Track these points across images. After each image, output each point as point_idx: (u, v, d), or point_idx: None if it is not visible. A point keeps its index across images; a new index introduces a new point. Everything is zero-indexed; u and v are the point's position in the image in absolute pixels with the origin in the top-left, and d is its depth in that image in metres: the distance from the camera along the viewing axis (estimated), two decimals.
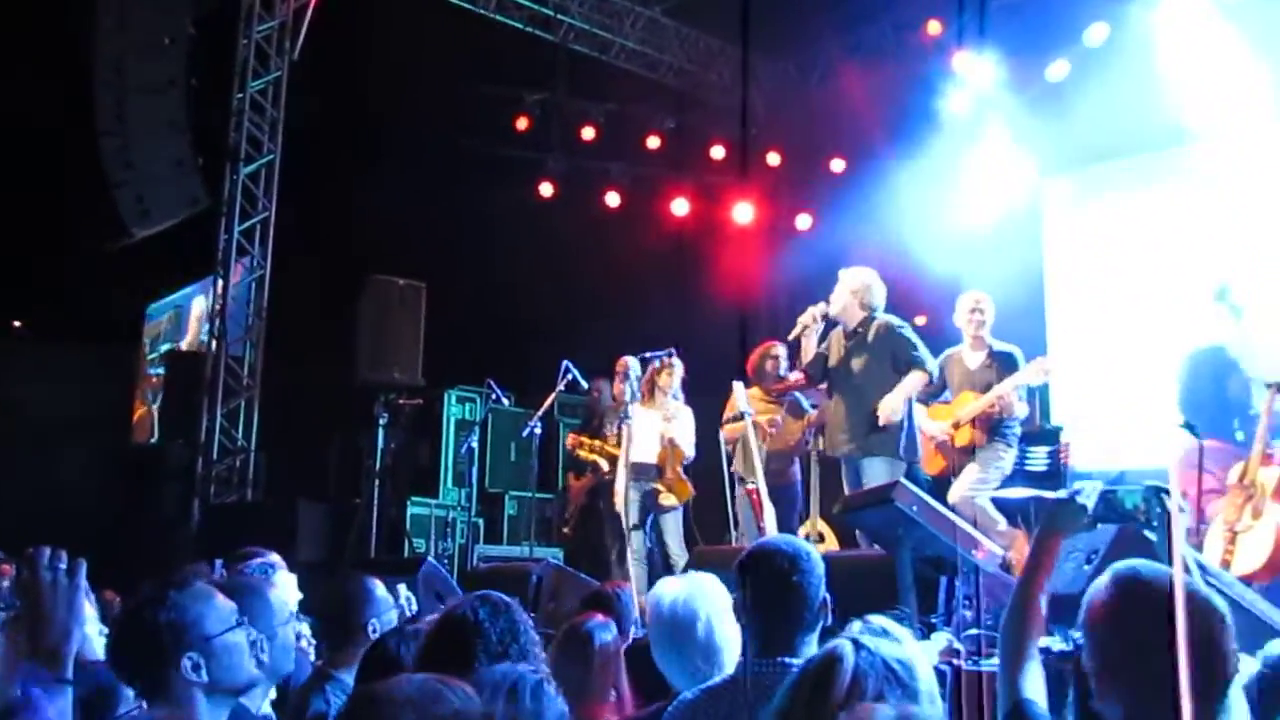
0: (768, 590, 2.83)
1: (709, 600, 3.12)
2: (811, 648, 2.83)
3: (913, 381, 6.53)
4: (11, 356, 14.26)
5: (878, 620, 3.02)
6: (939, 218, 9.65)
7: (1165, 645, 1.84)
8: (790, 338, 7.14)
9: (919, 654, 2.28)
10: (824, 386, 7.09)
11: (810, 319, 6.88)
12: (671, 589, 3.16)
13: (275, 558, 4.52)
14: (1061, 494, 2.65)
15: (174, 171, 9.94)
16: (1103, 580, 2.10)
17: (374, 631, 3.73)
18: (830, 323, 6.95)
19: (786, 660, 2.76)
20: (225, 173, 10.67)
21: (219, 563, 4.55)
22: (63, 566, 2.21)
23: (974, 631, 4.01)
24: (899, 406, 6.43)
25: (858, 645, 2.11)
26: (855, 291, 6.76)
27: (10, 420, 13.40)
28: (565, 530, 9.36)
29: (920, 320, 10.30)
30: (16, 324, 15.59)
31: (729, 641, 3.08)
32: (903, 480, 4.79)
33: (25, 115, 10.00)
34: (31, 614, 2.17)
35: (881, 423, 6.37)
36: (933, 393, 7.23)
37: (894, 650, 2.15)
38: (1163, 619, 1.88)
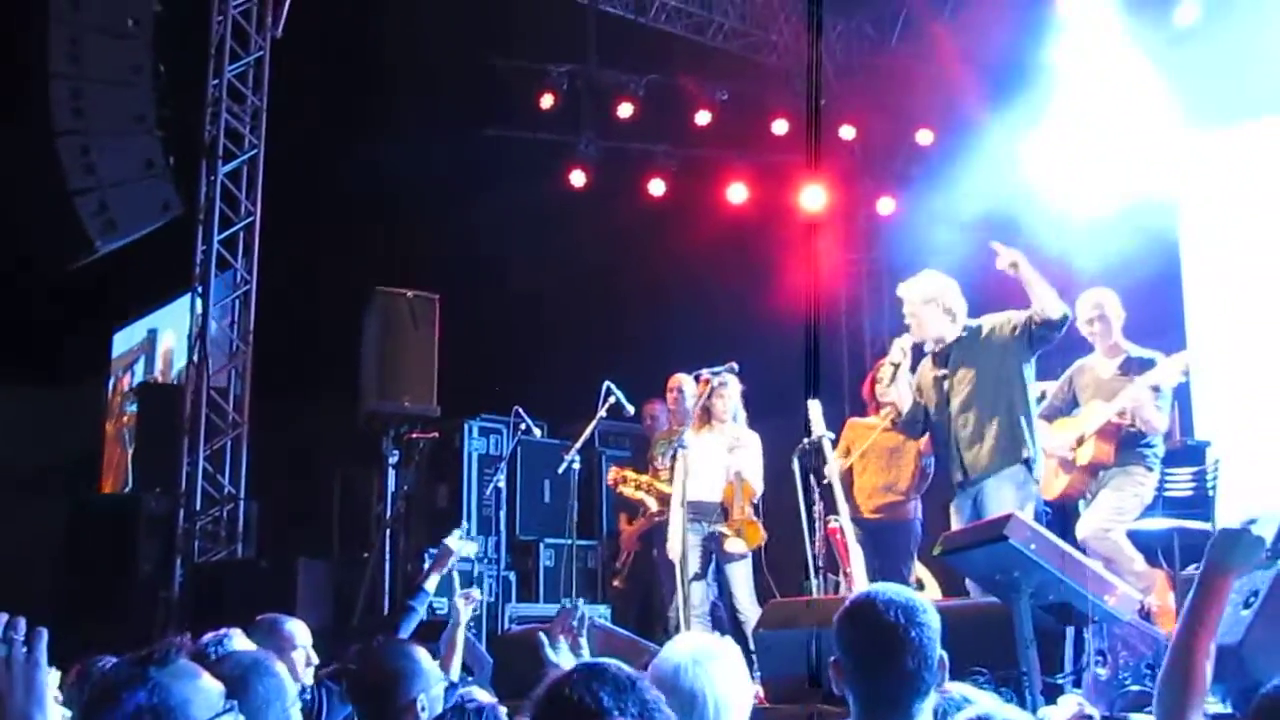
0: (876, 648, 2.83)
1: (714, 668, 3.14)
2: (927, 715, 2.85)
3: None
4: None
5: (956, 688, 3.03)
6: (1048, 194, 9.59)
7: None
8: (884, 387, 7.14)
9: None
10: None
11: (900, 354, 6.83)
12: (677, 651, 3.19)
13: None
14: (1232, 524, 2.62)
15: (142, 174, 10.07)
16: None
17: (423, 709, 3.89)
18: (919, 353, 6.92)
19: None
20: (202, 173, 10.79)
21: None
22: (19, 638, 2.20)
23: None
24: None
25: None
26: (930, 299, 6.72)
27: None
28: (616, 583, 9.38)
29: None
30: None
31: (724, 716, 3.10)
32: (1017, 513, 4.74)
33: None
34: None
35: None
36: (1060, 408, 7.19)
37: None
38: None
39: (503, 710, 5.28)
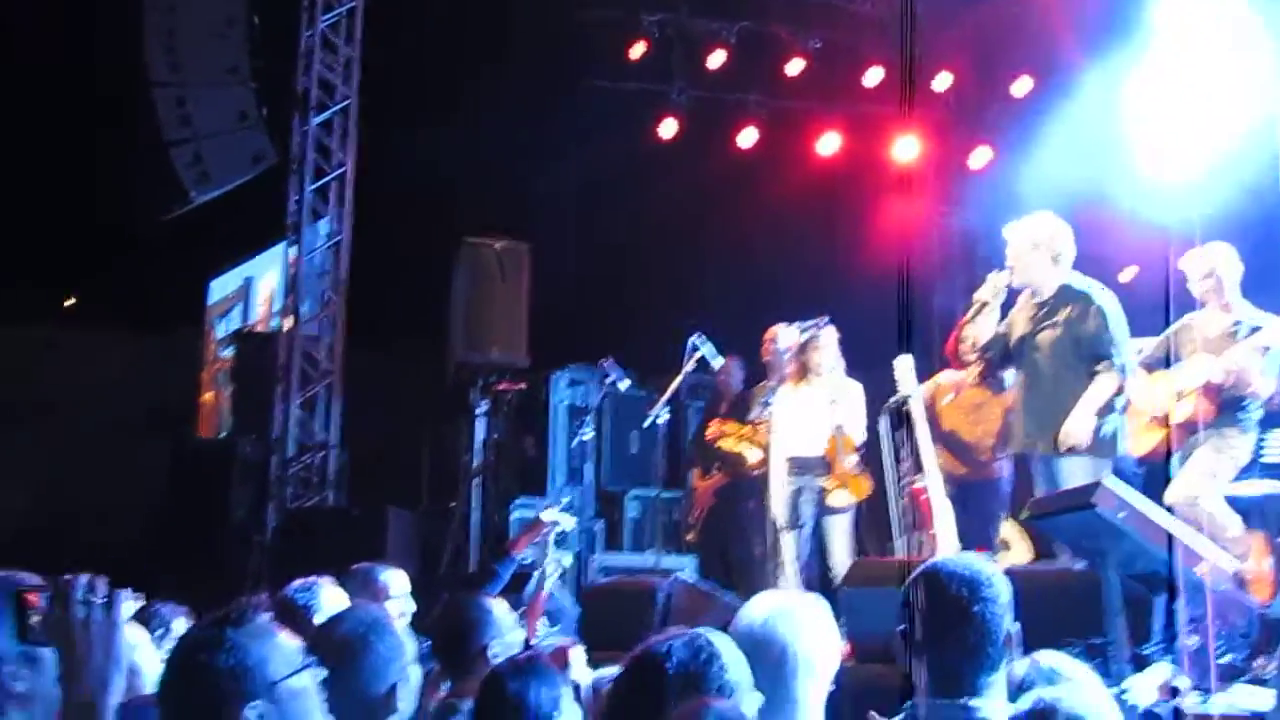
0: (939, 622, 2.81)
1: (795, 624, 3.13)
2: (997, 689, 2.82)
3: (1102, 389, 6.29)
4: (61, 341, 14.87)
5: (1046, 659, 2.98)
6: (1147, 146, 9.34)
7: None
8: (966, 320, 6.96)
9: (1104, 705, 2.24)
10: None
11: (990, 292, 6.66)
12: (759, 606, 3.20)
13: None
14: None
15: (236, 125, 10.21)
16: None
17: (495, 656, 3.97)
18: (1014, 293, 6.74)
19: (967, 703, 2.76)
20: (294, 124, 10.88)
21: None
22: (99, 600, 2.21)
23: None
24: (1087, 430, 6.17)
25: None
26: (1038, 245, 6.53)
27: (59, 414, 13.99)
28: (689, 537, 9.39)
29: (1127, 274, 10.11)
30: (67, 303, 16.25)
31: (806, 674, 3.10)
32: (1106, 479, 4.65)
33: (66, 69, 10.36)
34: (64, 659, 2.18)
35: (1064, 447, 6.16)
36: (1160, 360, 7.00)
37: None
38: None
39: (576, 652, 5.35)
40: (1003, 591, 2.86)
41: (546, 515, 5.76)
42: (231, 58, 10.33)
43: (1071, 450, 6.18)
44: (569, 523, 5.44)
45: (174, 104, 10.05)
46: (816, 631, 3.17)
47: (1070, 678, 2.93)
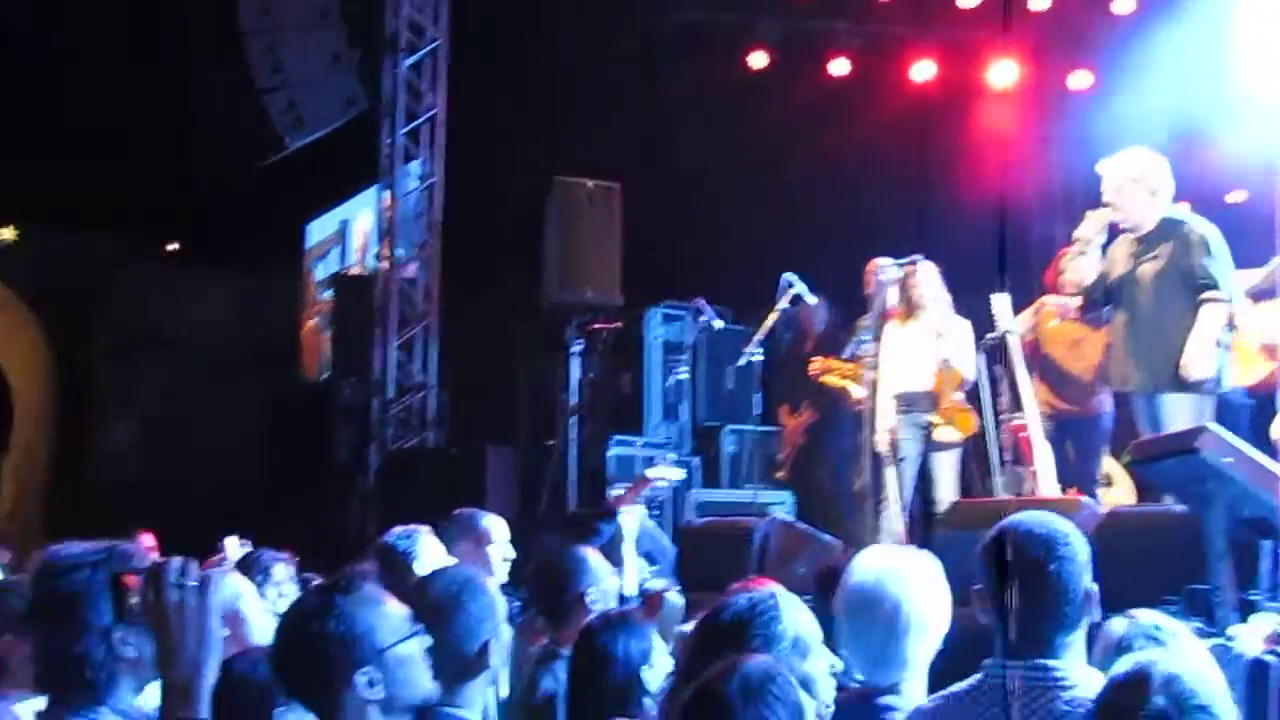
0: (1015, 581, 2.77)
1: (906, 582, 3.12)
2: (1075, 649, 2.81)
3: (1213, 320, 6.13)
4: (166, 283, 15.20)
5: (1146, 617, 2.93)
6: (1255, 74, 9.03)
7: None
8: (1068, 260, 6.81)
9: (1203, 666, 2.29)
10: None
11: (1092, 230, 6.51)
12: (869, 563, 3.20)
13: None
14: None
15: (328, 69, 10.28)
16: None
17: (593, 602, 4.12)
18: (1114, 232, 6.58)
19: (1045, 663, 2.75)
20: (385, 66, 10.92)
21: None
22: (192, 584, 2.22)
23: None
24: (1209, 361, 6.03)
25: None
26: (1136, 179, 6.36)
27: (167, 354, 14.34)
28: (779, 474, 9.37)
29: (1237, 197, 9.82)
30: (170, 247, 16.58)
31: (915, 633, 3.10)
32: (1210, 425, 4.55)
33: (160, 18, 10.48)
34: (159, 643, 2.22)
35: (1192, 378, 6.02)
36: (1268, 291, 6.81)
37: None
38: None
39: (673, 596, 5.38)
40: (1080, 550, 2.83)
41: (653, 472, 5.76)
42: (321, 2, 10.36)
43: (1189, 386, 6.05)
44: (678, 474, 5.46)
45: (266, 51, 10.14)
46: (929, 590, 3.16)
47: (1171, 637, 2.88)
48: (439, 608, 3.12)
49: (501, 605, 3.42)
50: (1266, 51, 9.07)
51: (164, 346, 14.68)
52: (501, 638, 3.37)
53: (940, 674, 3.17)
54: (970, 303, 7.71)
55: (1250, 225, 7.02)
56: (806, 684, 2.61)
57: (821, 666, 2.79)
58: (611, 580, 4.38)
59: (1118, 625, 2.93)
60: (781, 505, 9.27)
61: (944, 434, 7.59)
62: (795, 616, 2.79)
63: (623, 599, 4.63)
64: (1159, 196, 6.37)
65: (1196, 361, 6.03)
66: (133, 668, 2.49)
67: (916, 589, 3.13)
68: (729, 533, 7.01)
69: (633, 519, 5.49)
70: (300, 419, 12.25)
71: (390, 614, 2.63)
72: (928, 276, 7.77)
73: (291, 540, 7.94)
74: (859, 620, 3.12)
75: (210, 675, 2.22)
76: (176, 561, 2.24)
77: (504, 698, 4.18)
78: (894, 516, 7.53)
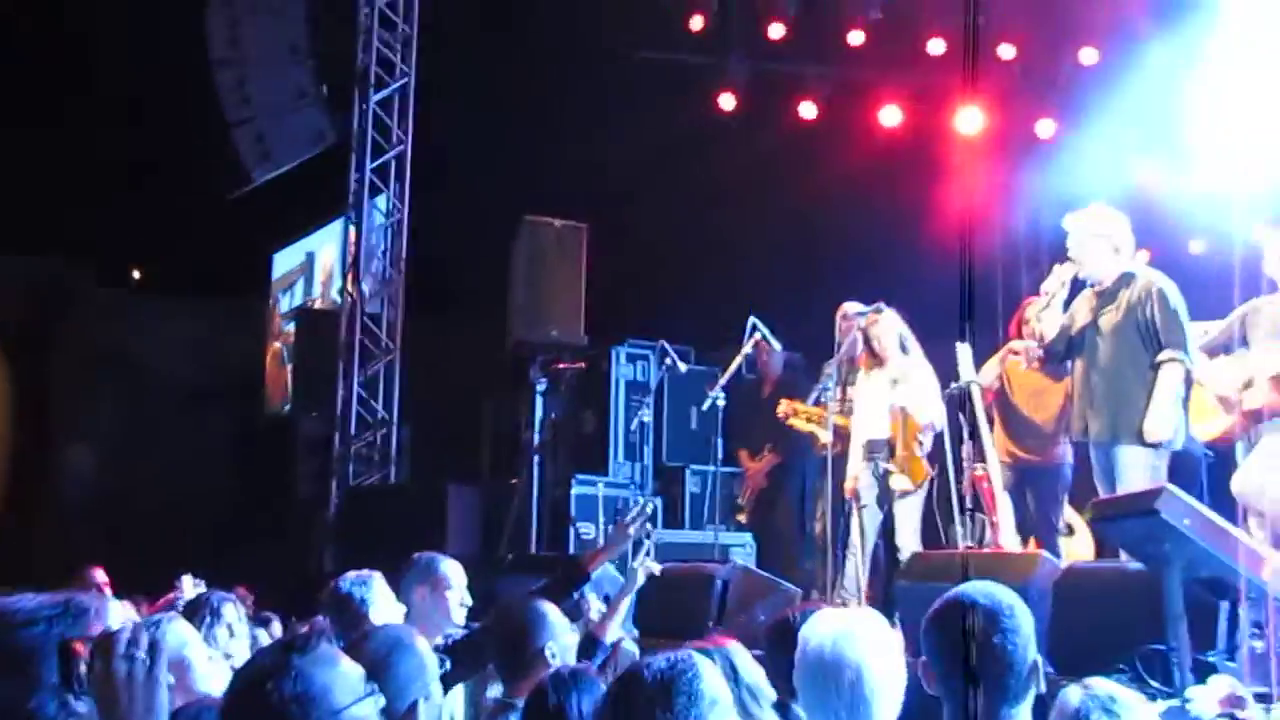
0: (960, 654, 2.81)
1: (863, 645, 3.11)
2: None
3: (1171, 381, 6.24)
4: (131, 311, 15.10)
5: (1102, 687, 2.93)
6: (1225, 120, 9.13)
7: None
8: (1037, 312, 6.90)
9: None
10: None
11: (1056, 284, 6.62)
12: (821, 628, 3.18)
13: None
14: None
15: (296, 104, 10.26)
16: None
17: (553, 657, 4.10)
18: (1078, 284, 6.69)
19: None
20: (354, 102, 10.92)
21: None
22: (140, 655, 2.21)
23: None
24: (1170, 424, 6.14)
25: None
26: (1100, 235, 6.50)
27: (131, 384, 14.22)
28: (740, 518, 9.39)
29: (1197, 247, 9.92)
30: (136, 275, 16.48)
31: (879, 695, 3.08)
32: (1169, 486, 4.58)
33: (134, 47, 10.44)
34: (104, 714, 2.20)
35: (1150, 440, 6.11)
36: (1224, 345, 6.88)
37: None
38: None
39: (629, 645, 5.34)
40: (1024, 622, 2.85)
41: (639, 566, 5.63)
42: (291, 35, 10.37)
43: (1147, 442, 6.12)
44: (655, 568, 5.40)
45: (235, 83, 10.11)
46: (884, 649, 3.15)
47: (1126, 710, 2.87)
48: (369, 669, 3.13)
49: (432, 664, 3.43)
50: (1226, 103, 9.19)
51: (126, 373, 14.57)
52: (433, 697, 3.37)
53: None
54: (938, 348, 7.74)
55: (1209, 275, 7.11)
56: None
57: None
58: (570, 636, 4.36)
59: (1073, 696, 2.92)
60: (742, 548, 9.27)
61: (897, 482, 7.61)
62: (715, 682, 2.79)
63: (593, 643, 4.62)
64: (1121, 253, 6.49)
65: (1158, 425, 6.13)
66: None
67: (873, 650, 3.11)
68: (689, 578, 6.97)
69: (642, 573, 5.42)
70: (262, 450, 12.16)
71: (346, 674, 2.59)
72: (889, 326, 7.80)
73: (250, 573, 7.89)
74: (823, 689, 3.11)
75: None
76: (126, 633, 2.22)
77: None
78: (858, 561, 7.54)
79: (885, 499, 7.70)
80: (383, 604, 4.73)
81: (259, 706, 2.49)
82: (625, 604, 5.42)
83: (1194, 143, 9.04)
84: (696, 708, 2.69)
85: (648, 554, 5.44)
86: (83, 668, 2.30)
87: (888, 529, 7.76)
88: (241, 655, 4.54)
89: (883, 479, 7.69)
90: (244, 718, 2.53)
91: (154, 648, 2.22)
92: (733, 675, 3.28)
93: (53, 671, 2.40)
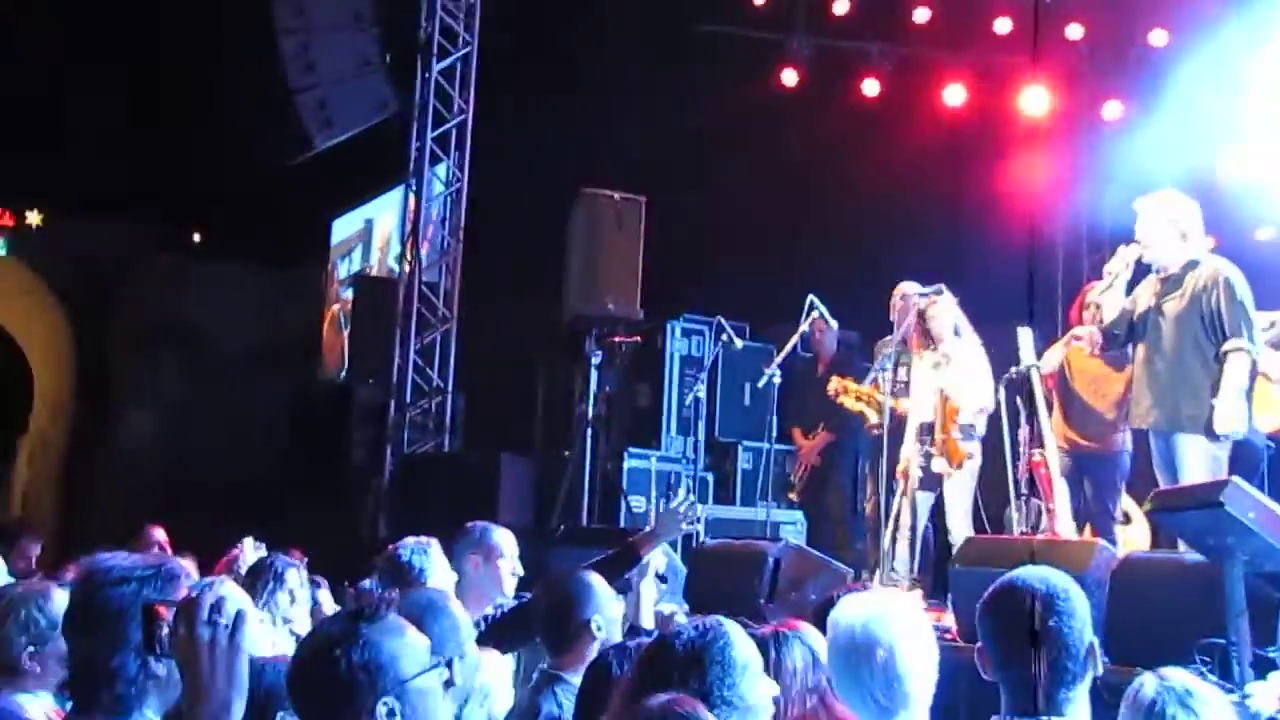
0: (1016, 639, 2.82)
1: (892, 626, 3.11)
2: (1079, 704, 2.83)
3: (1238, 371, 6.09)
4: (191, 275, 15.25)
5: (1177, 678, 2.90)
6: None
7: None
8: (1099, 294, 6.79)
9: None
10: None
11: (1120, 265, 6.51)
12: (852, 611, 3.18)
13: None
14: None
15: (359, 72, 10.28)
16: None
17: (598, 629, 4.11)
18: (1142, 268, 6.57)
19: None
20: (416, 71, 10.92)
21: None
22: (223, 622, 2.22)
23: None
24: (1242, 415, 5.97)
25: None
26: (1172, 220, 6.36)
27: (190, 349, 14.38)
28: (792, 496, 9.37)
29: (1265, 234, 9.77)
30: (196, 238, 16.65)
31: (912, 674, 3.09)
32: (1235, 479, 4.51)
33: (198, 15, 10.51)
34: (187, 679, 2.21)
35: (1220, 433, 5.97)
36: None
37: None
38: None
39: (681, 619, 5.34)
40: (1080, 605, 2.86)
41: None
42: (356, 3, 10.38)
43: (1209, 431, 6.02)
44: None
45: (299, 50, 10.14)
46: (915, 631, 3.15)
47: (1204, 705, 2.84)
48: None
49: (466, 625, 3.51)
50: None
51: (185, 338, 14.74)
52: (467, 657, 3.44)
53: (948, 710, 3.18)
54: (997, 331, 7.66)
55: (1277, 264, 6.99)
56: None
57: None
58: (616, 608, 4.36)
59: (1149, 686, 2.88)
60: (793, 526, 9.27)
61: (937, 464, 7.56)
62: (746, 644, 2.79)
63: (635, 630, 4.61)
64: (1189, 240, 6.36)
65: (1228, 418, 5.99)
66: (161, 687, 2.49)
67: (903, 632, 3.11)
68: (741, 555, 6.95)
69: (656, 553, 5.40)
70: (318, 416, 12.25)
71: (413, 644, 2.61)
72: (945, 309, 7.73)
73: (303, 537, 7.96)
74: (855, 671, 3.10)
75: (237, 716, 2.21)
76: (209, 598, 2.24)
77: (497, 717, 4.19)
78: (904, 543, 7.50)
79: (934, 482, 7.66)
80: (440, 572, 4.76)
81: (326, 674, 2.51)
82: (648, 589, 5.35)
83: (1264, 128, 8.92)
84: (730, 676, 2.72)
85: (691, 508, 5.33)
86: (165, 630, 2.32)
87: (938, 511, 7.73)
88: (301, 620, 4.59)
89: (928, 461, 7.66)
90: (311, 684, 2.56)
91: (238, 616, 2.24)
92: (812, 659, 3.27)
93: (137, 632, 2.42)
